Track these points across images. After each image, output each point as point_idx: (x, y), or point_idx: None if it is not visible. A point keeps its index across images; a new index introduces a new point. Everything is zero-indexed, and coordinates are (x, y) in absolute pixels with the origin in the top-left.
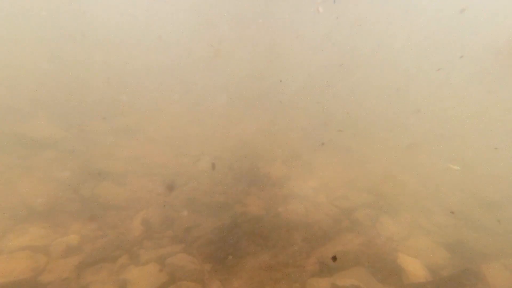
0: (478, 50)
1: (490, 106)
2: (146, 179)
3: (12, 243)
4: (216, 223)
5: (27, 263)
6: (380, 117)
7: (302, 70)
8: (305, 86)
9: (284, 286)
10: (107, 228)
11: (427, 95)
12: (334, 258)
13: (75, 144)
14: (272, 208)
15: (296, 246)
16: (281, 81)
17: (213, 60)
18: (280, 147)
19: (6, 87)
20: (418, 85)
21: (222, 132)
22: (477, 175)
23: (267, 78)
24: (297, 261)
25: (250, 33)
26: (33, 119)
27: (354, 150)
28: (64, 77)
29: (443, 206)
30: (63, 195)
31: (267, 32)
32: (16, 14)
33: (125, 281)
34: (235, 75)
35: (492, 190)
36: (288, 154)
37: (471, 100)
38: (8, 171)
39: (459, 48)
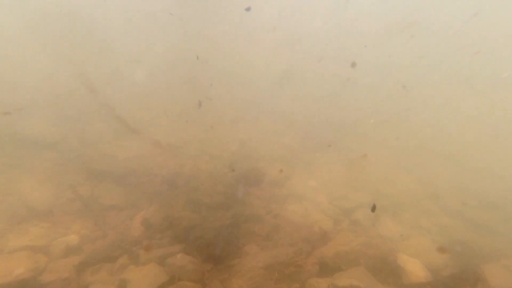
0: None
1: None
2: (146, 179)
3: (12, 243)
4: (216, 223)
5: (27, 263)
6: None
7: None
8: None
9: (284, 286)
10: (107, 228)
11: None
12: (374, 208)
13: (75, 144)
14: (272, 208)
15: (296, 246)
16: None
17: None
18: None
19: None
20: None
21: (223, 132)
22: (477, 174)
23: None
24: (297, 261)
25: None
26: (33, 119)
27: (354, 150)
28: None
29: (443, 206)
30: (63, 195)
31: None
32: None
33: (125, 281)
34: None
35: (492, 190)
36: (288, 154)
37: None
38: (8, 171)
39: None
